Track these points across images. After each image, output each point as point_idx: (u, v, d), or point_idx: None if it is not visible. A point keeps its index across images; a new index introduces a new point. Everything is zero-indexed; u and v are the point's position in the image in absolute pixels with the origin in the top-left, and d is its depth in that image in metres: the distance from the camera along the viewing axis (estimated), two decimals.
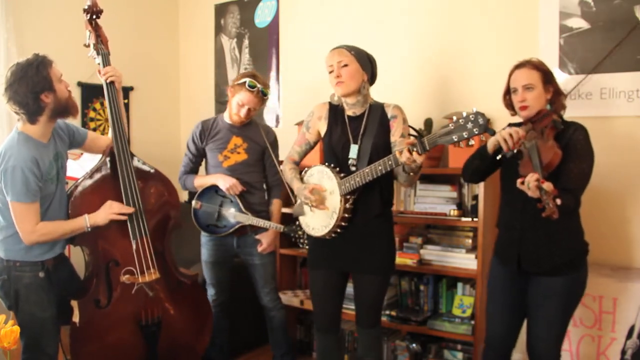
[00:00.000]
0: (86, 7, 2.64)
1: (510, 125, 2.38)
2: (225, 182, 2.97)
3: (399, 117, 2.51)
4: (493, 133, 2.15)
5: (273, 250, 3.13)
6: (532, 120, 2.23)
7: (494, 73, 3.09)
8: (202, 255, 3.15)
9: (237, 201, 2.99)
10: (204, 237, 3.13)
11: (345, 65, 2.44)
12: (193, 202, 3.09)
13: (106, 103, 2.62)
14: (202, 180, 3.09)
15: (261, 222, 2.95)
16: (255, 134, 3.09)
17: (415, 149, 2.14)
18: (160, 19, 4.46)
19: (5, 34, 3.38)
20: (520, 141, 2.09)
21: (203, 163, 3.21)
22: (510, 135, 2.09)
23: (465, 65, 3.26)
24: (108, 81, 2.61)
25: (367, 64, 2.50)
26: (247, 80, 2.93)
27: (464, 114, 2.04)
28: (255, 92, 2.93)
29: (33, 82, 2.24)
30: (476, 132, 2.02)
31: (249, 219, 2.96)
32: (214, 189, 3.05)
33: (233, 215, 3.00)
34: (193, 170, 3.19)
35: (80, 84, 3.83)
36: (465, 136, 2.04)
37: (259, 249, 3.04)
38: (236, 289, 3.28)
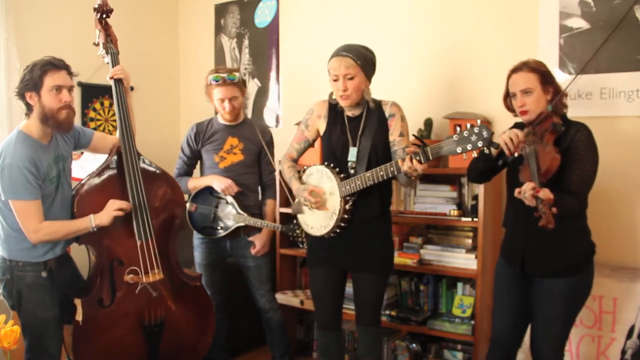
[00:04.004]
0: (96, 6, 2.66)
1: (516, 124, 2.38)
2: (220, 183, 2.95)
3: (397, 115, 2.49)
4: (497, 146, 2.16)
5: (267, 252, 3.11)
6: (533, 123, 2.23)
7: (493, 73, 3.09)
8: (195, 258, 3.12)
9: (233, 202, 2.97)
10: (197, 240, 3.10)
11: (352, 78, 2.38)
12: (187, 205, 3.04)
13: (114, 102, 2.61)
14: (196, 182, 3.07)
15: (259, 222, 2.93)
16: (251, 133, 3.07)
17: (417, 158, 2.15)
18: (160, 19, 4.46)
19: (5, 34, 3.38)
20: (521, 145, 2.09)
21: (198, 165, 3.19)
22: (511, 139, 2.10)
23: (464, 66, 3.26)
24: (116, 77, 2.61)
25: (371, 70, 2.45)
26: (210, 77, 2.94)
27: (469, 126, 2.06)
28: (222, 81, 2.91)
29: (23, 79, 2.31)
30: (480, 145, 2.03)
31: (246, 220, 2.95)
32: (208, 190, 3.02)
33: (230, 216, 2.98)
34: (187, 172, 3.16)
35: (80, 84, 3.82)
36: (469, 148, 2.05)
37: (253, 251, 3.03)
38: (234, 290, 3.27)
